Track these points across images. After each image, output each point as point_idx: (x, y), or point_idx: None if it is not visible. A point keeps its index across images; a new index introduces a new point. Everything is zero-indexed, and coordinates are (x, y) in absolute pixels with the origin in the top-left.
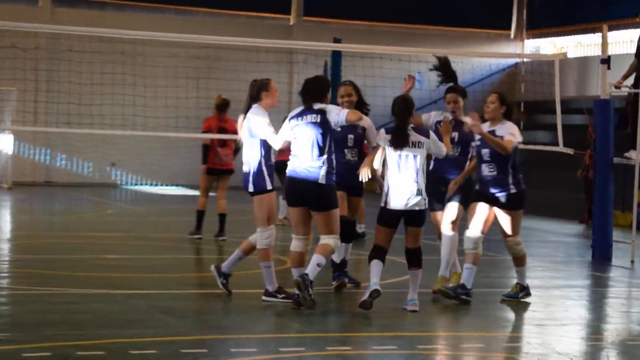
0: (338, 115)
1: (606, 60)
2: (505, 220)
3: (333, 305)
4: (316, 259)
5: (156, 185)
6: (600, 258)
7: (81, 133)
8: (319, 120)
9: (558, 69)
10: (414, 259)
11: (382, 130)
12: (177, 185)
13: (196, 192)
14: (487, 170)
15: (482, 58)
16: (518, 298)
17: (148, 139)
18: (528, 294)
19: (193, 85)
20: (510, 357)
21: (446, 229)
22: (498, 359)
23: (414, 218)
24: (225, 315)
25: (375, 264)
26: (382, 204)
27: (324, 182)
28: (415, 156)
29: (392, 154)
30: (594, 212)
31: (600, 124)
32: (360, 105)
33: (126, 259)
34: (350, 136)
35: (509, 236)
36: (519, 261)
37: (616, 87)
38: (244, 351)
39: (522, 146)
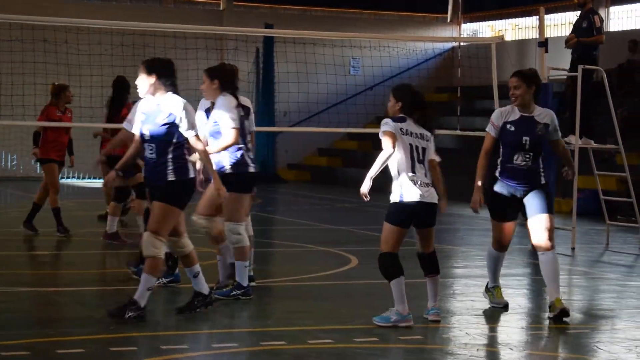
0: None
1: (544, 43)
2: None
3: (266, 300)
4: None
5: (83, 178)
6: None
7: (3, 125)
8: None
9: (495, 52)
10: (431, 264)
11: (388, 120)
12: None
13: None
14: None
15: (417, 42)
16: (229, 296)
17: (74, 130)
18: (246, 294)
19: (119, 74)
20: (450, 348)
21: (540, 247)
22: (437, 350)
23: (427, 215)
24: (154, 311)
25: (400, 284)
26: (398, 199)
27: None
28: (424, 149)
29: (406, 142)
30: None
31: None
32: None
33: (52, 255)
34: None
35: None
36: (237, 254)
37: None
38: (176, 348)
39: (459, 132)
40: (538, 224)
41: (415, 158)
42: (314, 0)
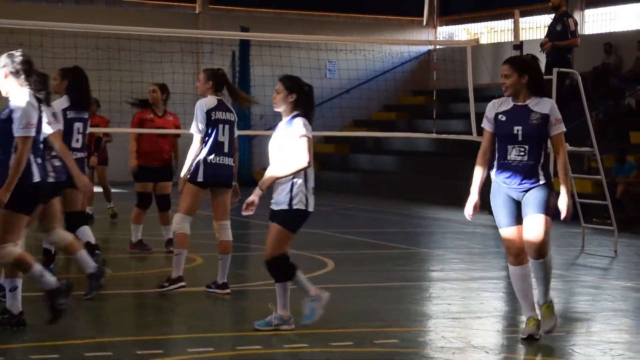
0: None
1: (519, 46)
2: None
3: (242, 304)
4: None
5: None
6: None
7: None
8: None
9: (470, 55)
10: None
11: (306, 121)
12: None
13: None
14: None
15: (393, 45)
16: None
17: None
18: (17, 324)
19: (94, 77)
20: (426, 352)
21: (530, 252)
22: (413, 354)
23: None
24: (127, 316)
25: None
26: (305, 207)
27: None
28: None
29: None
30: None
31: None
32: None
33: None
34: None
35: None
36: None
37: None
38: (151, 353)
39: (435, 136)
40: (530, 226)
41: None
42: (290, 4)
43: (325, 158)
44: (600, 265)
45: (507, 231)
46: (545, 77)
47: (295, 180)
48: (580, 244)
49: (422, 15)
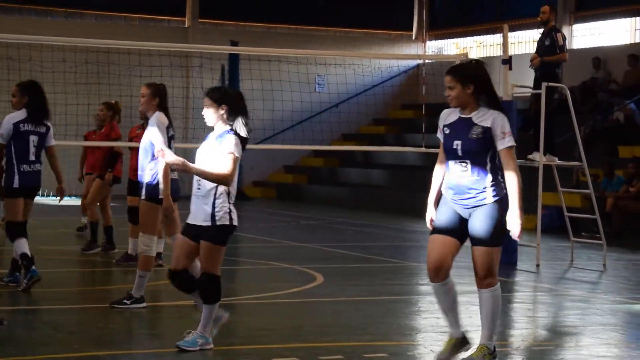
0: None
1: (507, 61)
2: None
3: (230, 318)
4: None
5: (46, 196)
6: (505, 262)
7: None
8: None
9: None
10: None
11: (237, 140)
12: (69, 195)
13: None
14: None
15: (383, 60)
16: None
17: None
18: None
19: (84, 91)
20: None
21: (477, 281)
22: None
23: None
24: (118, 330)
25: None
26: (230, 222)
27: None
28: None
29: None
30: None
31: None
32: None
33: None
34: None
35: None
36: None
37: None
38: None
39: (424, 150)
40: (476, 258)
41: None
42: (279, 18)
43: (314, 172)
44: (589, 280)
45: (433, 238)
46: (534, 91)
47: (218, 196)
48: (569, 257)
49: (411, 30)
